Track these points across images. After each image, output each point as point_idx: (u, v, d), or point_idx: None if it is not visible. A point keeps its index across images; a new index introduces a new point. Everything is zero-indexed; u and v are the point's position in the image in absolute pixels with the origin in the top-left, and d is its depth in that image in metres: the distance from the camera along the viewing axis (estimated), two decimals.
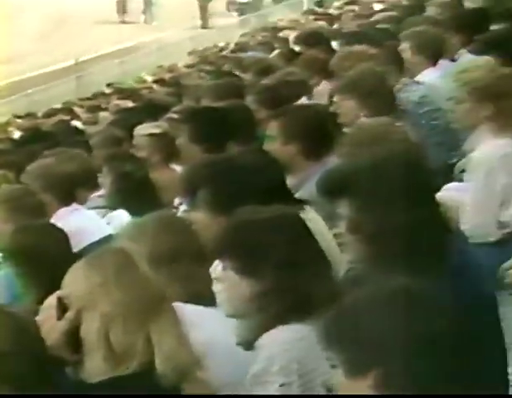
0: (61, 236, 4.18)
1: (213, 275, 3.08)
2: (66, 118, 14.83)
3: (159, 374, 2.70)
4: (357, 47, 6.17)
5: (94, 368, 2.76)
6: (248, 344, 2.88)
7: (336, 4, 20.62)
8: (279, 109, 5.21)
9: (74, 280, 2.85)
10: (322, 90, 6.45)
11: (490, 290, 3.12)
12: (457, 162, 4.99)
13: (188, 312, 3.09)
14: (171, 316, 2.80)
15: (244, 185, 3.73)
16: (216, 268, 3.11)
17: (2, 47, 27.78)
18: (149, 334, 2.74)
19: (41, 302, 3.78)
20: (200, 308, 3.27)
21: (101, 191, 5.56)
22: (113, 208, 5.33)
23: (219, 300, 3.05)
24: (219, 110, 5.63)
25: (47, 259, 3.91)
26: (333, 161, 4.35)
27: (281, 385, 2.70)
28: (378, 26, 9.31)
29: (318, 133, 4.75)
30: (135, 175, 5.44)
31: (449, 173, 5.04)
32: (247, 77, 9.00)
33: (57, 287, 3.62)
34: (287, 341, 2.75)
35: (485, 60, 4.71)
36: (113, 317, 2.73)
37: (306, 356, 2.65)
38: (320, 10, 20.66)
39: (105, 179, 5.48)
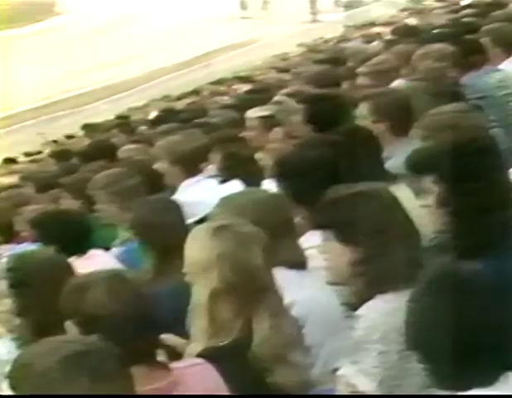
0: (174, 207, 4.03)
1: (305, 245, 2.93)
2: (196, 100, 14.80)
3: (253, 355, 2.61)
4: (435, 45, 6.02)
5: (196, 333, 2.66)
6: (350, 307, 2.75)
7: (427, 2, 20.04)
8: (369, 91, 5.10)
9: (194, 246, 2.71)
10: None
11: None
12: None
13: (289, 275, 2.99)
14: (272, 304, 2.70)
15: None
16: (310, 239, 2.98)
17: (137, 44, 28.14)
18: (250, 317, 2.64)
19: (157, 271, 3.69)
20: (300, 272, 3.16)
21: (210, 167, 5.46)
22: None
23: (318, 267, 2.92)
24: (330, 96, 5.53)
25: (159, 229, 3.79)
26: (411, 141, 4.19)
27: (379, 353, 2.52)
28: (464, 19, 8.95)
29: (405, 112, 4.59)
30: (240, 154, 5.35)
31: None
32: (349, 64, 8.77)
33: (170, 256, 3.52)
34: (387, 311, 2.59)
35: None
36: (220, 292, 2.62)
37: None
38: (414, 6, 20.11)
39: (215, 157, 5.40)
